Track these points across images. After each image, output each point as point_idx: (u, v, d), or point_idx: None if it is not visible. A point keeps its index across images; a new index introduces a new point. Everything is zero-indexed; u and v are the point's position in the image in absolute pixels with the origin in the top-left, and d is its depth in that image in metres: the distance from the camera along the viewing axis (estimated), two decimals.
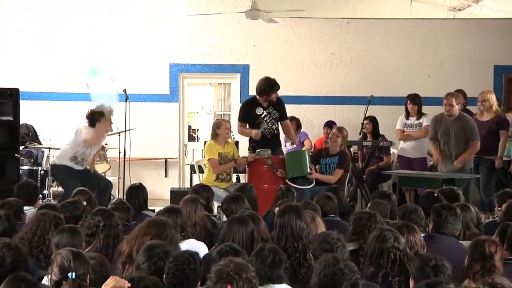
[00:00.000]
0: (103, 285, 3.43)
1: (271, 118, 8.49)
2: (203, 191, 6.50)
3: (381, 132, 9.92)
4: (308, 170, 8.05)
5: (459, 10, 13.50)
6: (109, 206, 6.09)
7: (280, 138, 8.87)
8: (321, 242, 4.15)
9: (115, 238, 4.75)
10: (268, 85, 8.39)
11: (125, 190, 7.87)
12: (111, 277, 3.47)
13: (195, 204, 5.55)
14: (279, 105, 8.57)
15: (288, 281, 3.90)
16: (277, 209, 5.90)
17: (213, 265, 3.38)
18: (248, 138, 8.70)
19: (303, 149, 9.51)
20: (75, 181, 7.61)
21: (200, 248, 4.70)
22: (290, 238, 4.58)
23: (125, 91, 9.30)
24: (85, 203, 5.92)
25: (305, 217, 4.78)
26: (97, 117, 7.97)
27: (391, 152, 9.93)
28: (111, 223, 4.81)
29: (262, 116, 8.46)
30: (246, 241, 4.54)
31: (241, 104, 8.89)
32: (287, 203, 5.04)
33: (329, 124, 10.33)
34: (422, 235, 5.14)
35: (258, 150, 8.23)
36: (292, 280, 4.23)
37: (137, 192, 6.58)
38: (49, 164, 8.93)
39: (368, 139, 9.56)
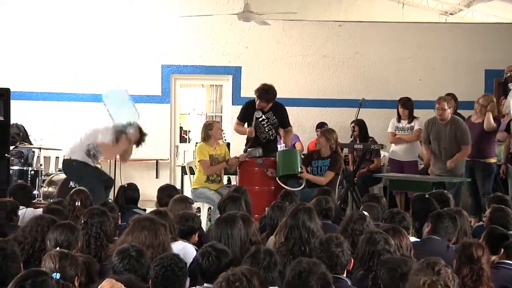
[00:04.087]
0: (99, 287, 3.40)
1: (268, 123, 8.45)
2: (173, 190, 6.52)
3: (372, 135, 9.92)
4: (299, 169, 8.05)
5: (451, 14, 13.53)
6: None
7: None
8: (321, 244, 4.14)
9: (96, 238, 4.74)
10: (257, 91, 8.35)
11: (115, 191, 7.84)
12: (106, 279, 3.43)
13: (184, 204, 5.53)
14: (280, 111, 8.51)
15: (280, 283, 3.90)
16: (267, 209, 5.92)
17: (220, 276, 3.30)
18: (244, 140, 8.69)
19: None
20: (95, 178, 7.54)
21: (188, 249, 4.68)
22: (298, 241, 4.57)
23: None
24: (79, 203, 5.89)
25: (317, 220, 4.76)
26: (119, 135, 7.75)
27: (382, 155, 9.95)
28: (92, 222, 4.79)
29: (260, 120, 8.45)
30: (235, 242, 4.53)
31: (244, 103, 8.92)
32: (300, 204, 4.99)
33: (321, 126, 10.33)
34: (416, 239, 5.17)
35: (249, 149, 8.23)
36: None
37: (122, 192, 6.59)
38: (64, 158, 8.08)
39: (357, 142, 9.56)
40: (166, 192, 6.42)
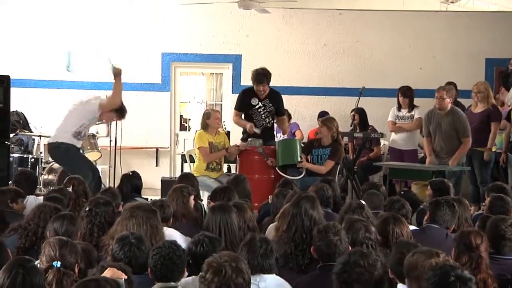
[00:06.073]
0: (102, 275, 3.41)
1: (265, 110, 8.41)
2: (188, 180, 6.51)
3: (372, 124, 9.92)
4: (299, 159, 8.05)
5: (451, 2, 13.45)
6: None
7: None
8: (319, 233, 4.13)
9: (99, 227, 4.74)
10: (254, 76, 8.29)
11: (115, 179, 7.87)
12: (108, 268, 3.45)
13: (182, 193, 5.53)
14: (276, 99, 8.46)
15: (277, 270, 3.91)
16: (270, 197, 5.93)
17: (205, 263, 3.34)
18: (242, 129, 8.68)
19: None
20: (81, 159, 7.52)
21: (174, 235, 4.66)
22: (300, 229, 4.57)
23: None
24: (70, 189, 5.90)
25: (319, 208, 4.77)
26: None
27: (382, 143, 9.95)
28: (97, 211, 4.79)
29: (257, 107, 8.41)
30: (230, 228, 4.55)
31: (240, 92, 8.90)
32: (303, 192, 5.00)
33: (322, 115, 10.31)
34: (415, 228, 5.19)
35: (249, 139, 8.23)
36: (294, 270, 4.32)
37: (127, 180, 6.60)
38: (48, 143, 7.97)
39: (357, 131, 9.55)
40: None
